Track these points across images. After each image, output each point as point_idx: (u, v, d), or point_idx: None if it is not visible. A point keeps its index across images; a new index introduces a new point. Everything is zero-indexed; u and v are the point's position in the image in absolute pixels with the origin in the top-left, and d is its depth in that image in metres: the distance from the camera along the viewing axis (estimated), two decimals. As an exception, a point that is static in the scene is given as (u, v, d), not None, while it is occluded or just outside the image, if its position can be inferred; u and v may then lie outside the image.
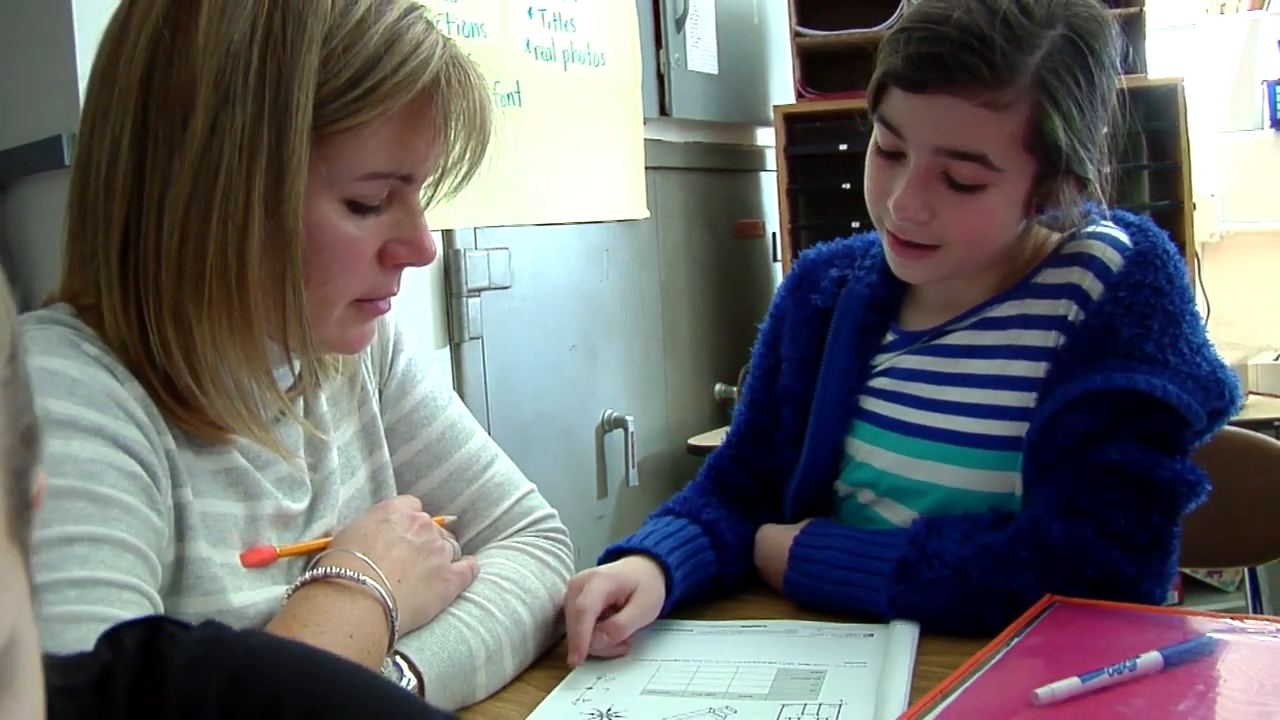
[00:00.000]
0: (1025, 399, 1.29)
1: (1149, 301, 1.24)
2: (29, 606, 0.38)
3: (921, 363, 1.38)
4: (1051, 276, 1.32)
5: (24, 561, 0.38)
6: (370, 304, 1.06)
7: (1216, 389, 1.23)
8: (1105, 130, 1.29)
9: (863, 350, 1.42)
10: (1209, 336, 1.29)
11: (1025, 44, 1.20)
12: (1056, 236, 1.35)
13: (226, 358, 0.97)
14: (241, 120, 0.92)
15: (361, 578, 1.03)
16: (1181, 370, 1.22)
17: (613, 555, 1.32)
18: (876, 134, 1.30)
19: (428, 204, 1.09)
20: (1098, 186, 1.28)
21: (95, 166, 0.96)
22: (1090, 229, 1.33)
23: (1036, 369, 1.29)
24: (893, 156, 1.29)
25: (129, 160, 0.94)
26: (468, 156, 1.06)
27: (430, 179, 1.07)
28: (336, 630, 0.99)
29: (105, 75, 0.97)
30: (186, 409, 0.99)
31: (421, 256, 1.05)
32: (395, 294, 1.08)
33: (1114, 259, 1.28)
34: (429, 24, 1.01)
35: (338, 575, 1.02)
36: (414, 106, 0.99)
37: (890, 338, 1.43)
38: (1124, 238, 1.30)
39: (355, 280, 1.02)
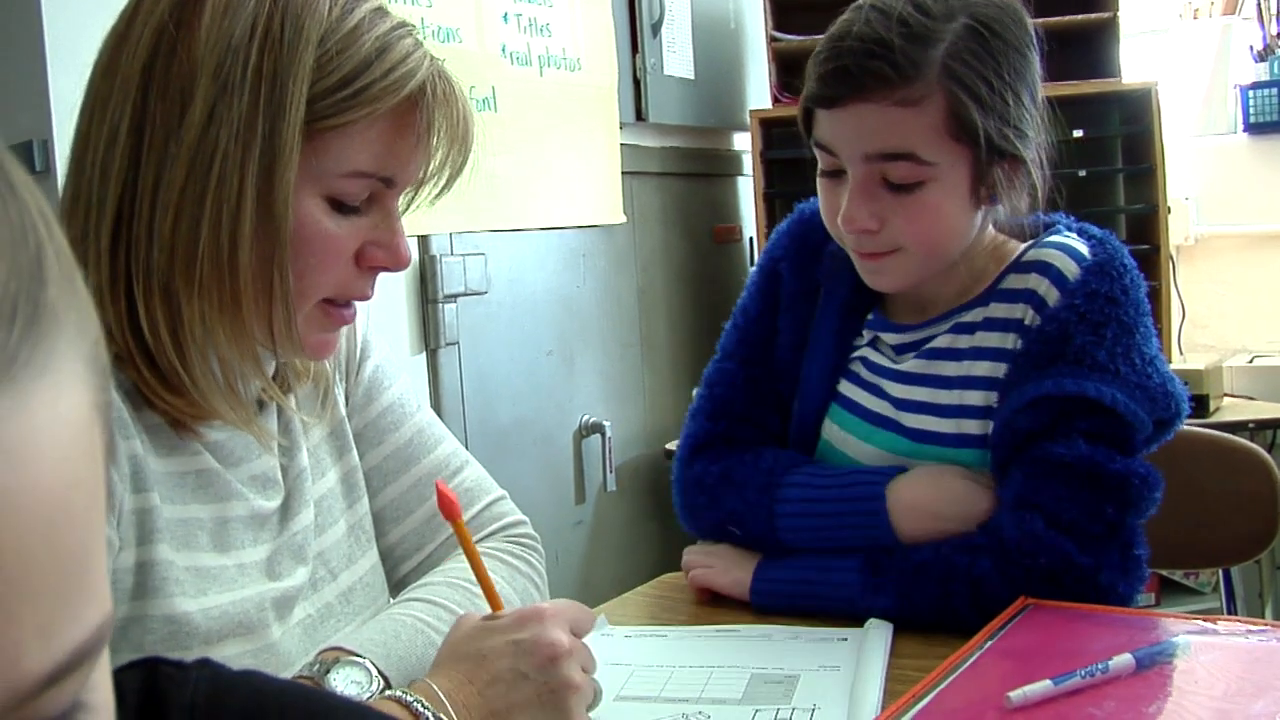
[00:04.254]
0: (990, 398, 1.31)
1: (1104, 310, 1.26)
2: None
3: (899, 363, 1.39)
4: (1013, 282, 1.34)
5: None
6: (337, 310, 1.07)
7: (1164, 400, 1.25)
8: (1036, 112, 1.31)
9: (844, 334, 1.43)
10: (1170, 349, 1.31)
11: (926, 39, 1.24)
12: (1020, 246, 1.37)
13: (214, 337, 1.00)
14: (238, 111, 0.96)
15: (431, 714, 0.92)
16: (1131, 380, 1.24)
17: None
18: (818, 157, 1.33)
19: (405, 209, 1.11)
20: (1037, 172, 1.30)
21: (92, 151, 0.99)
22: (1052, 238, 1.35)
23: (998, 369, 1.31)
24: (835, 176, 1.32)
25: (127, 144, 0.97)
26: (448, 166, 1.09)
27: (410, 187, 1.09)
28: None
29: (108, 68, 1.00)
30: (168, 389, 1.00)
31: (397, 261, 1.07)
32: (368, 298, 1.09)
33: (1071, 268, 1.30)
34: (418, 41, 1.05)
35: (410, 702, 0.92)
36: (399, 111, 1.03)
37: (870, 317, 1.44)
38: (1084, 249, 1.32)
39: (331, 277, 1.04)
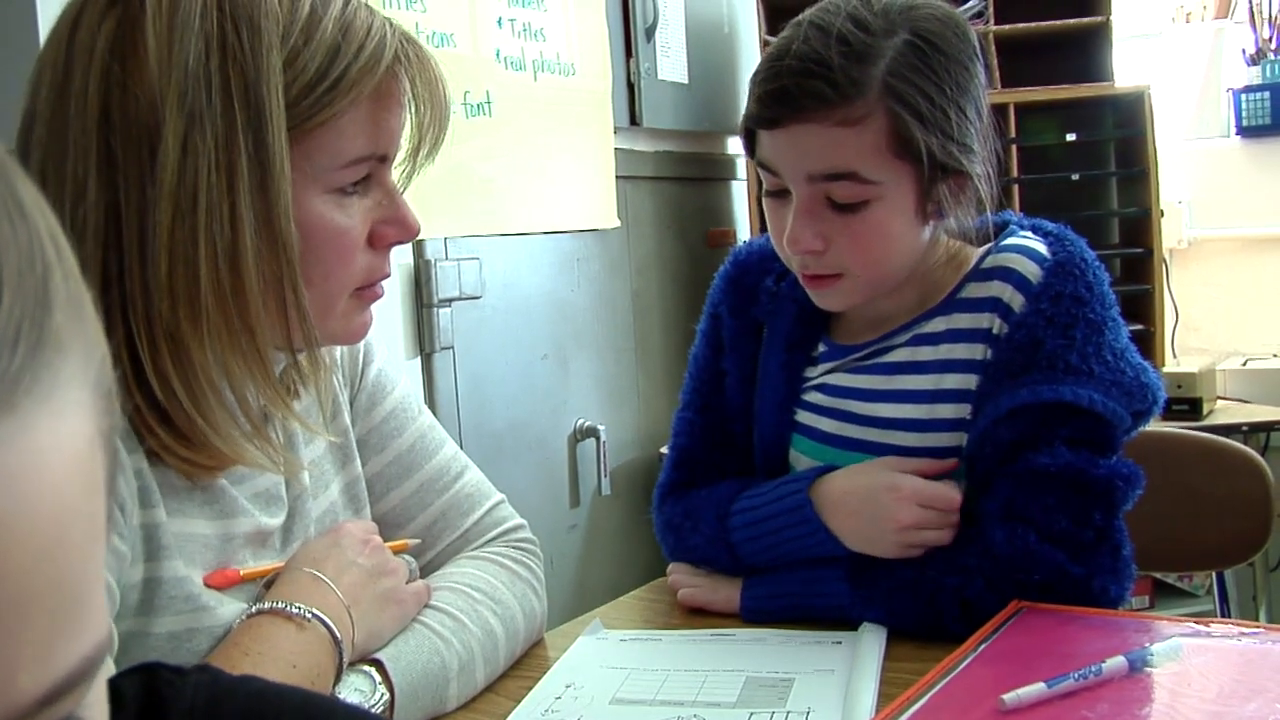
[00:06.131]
0: (962, 410, 1.30)
1: (1070, 311, 1.25)
2: None
3: (858, 380, 1.38)
4: (975, 290, 1.33)
5: None
6: (368, 290, 1.07)
7: (1140, 392, 1.25)
8: (980, 124, 1.29)
9: (792, 366, 1.42)
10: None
11: (866, 57, 1.22)
12: (977, 251, 1.36)
13: (230, 374, 0.97)
14: (213, 137, 0.92)
15: (307, 612, 1.02)
16: (1106, 378, 1.23)
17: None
18: (762, 177, 1.32)
19: (410, 176, 1.09)
20: (984, 186, 1.29)
21: (58, 213, 0.94)
22: (1008, 241, 1.34)
23: (969, 381, 1.30)
24: (780, 196, 1.30)
25: (99, 199, 0.92)
26: (434, 125, 1.07)
27: (404, 155, 1.07)
28: (280, 659, 0.98)
29: (52, 123, 0.94)
30: (189, 446, 0.97)
31: (408, 231, 1.06)
32: (389, 275, 1.08)
33: (1033, 271, 1.29)
34: (369, 7, 1.02)
35: (283, 608, 1.01)
36: (380, 86, 1.00)
37: (821, 349, 1.42)
38: (1042, 248, 1.31)
39: (354, 269, 1.03)
